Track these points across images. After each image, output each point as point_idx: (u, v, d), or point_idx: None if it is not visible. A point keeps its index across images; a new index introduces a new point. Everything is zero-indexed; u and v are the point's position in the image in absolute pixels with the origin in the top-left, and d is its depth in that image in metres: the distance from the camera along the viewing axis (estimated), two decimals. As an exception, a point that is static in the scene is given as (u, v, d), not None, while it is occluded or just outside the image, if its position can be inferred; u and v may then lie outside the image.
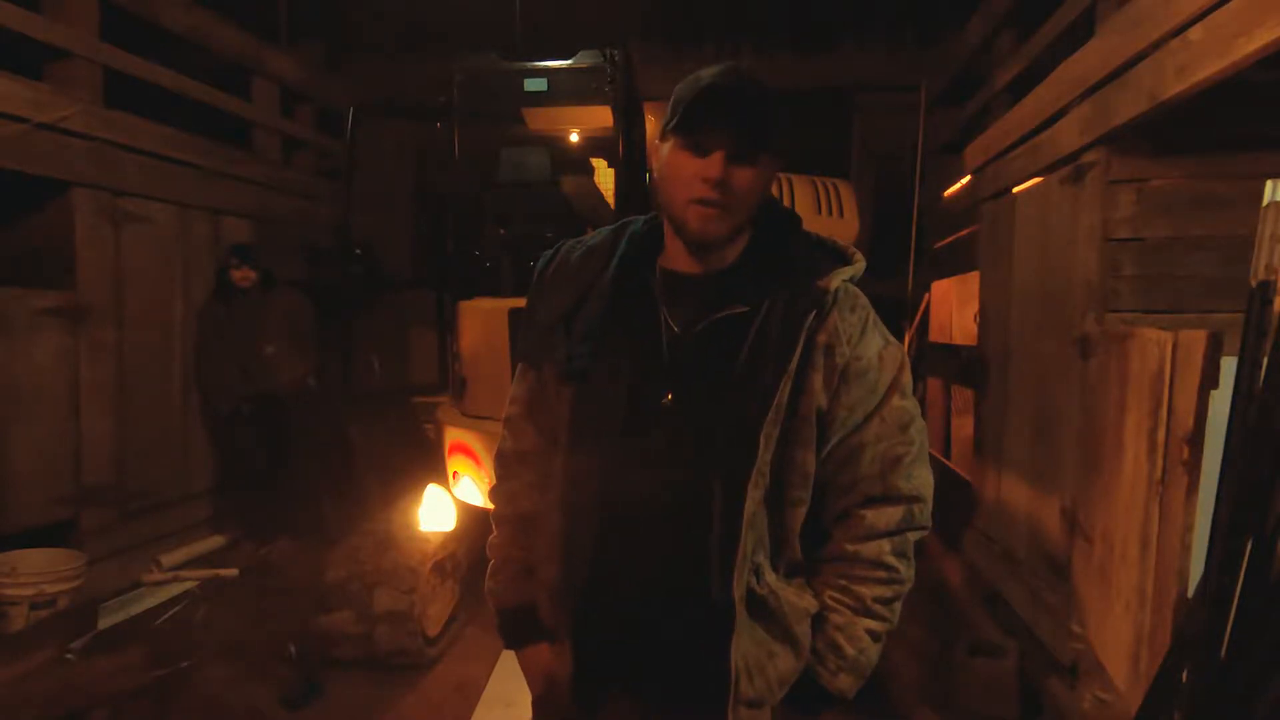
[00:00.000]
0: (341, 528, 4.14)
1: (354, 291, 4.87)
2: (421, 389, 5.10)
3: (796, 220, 1.29)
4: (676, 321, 1.22)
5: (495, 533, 1.42)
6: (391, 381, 5.72)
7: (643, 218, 1.33)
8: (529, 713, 1.40)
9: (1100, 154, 2.90)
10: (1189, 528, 2.29)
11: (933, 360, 5.57)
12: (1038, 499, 3.44)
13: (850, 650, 1.24)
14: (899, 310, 5.56)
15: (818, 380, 1.18)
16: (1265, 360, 1.85)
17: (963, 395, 5.04)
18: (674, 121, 1.16)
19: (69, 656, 3.03)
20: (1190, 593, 2.20)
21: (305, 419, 4.83)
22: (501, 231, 3.99)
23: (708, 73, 1.16)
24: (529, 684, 1.38)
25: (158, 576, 4.19)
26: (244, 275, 4.60)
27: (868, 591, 1.24)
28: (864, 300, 1.26)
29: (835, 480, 1.25)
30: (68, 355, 3.84)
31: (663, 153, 1.20)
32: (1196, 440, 2.26)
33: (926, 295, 5.66)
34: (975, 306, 4.46)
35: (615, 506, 1.20)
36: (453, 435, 3.68)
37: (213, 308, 4.66)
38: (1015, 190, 3.82)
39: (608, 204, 4.15)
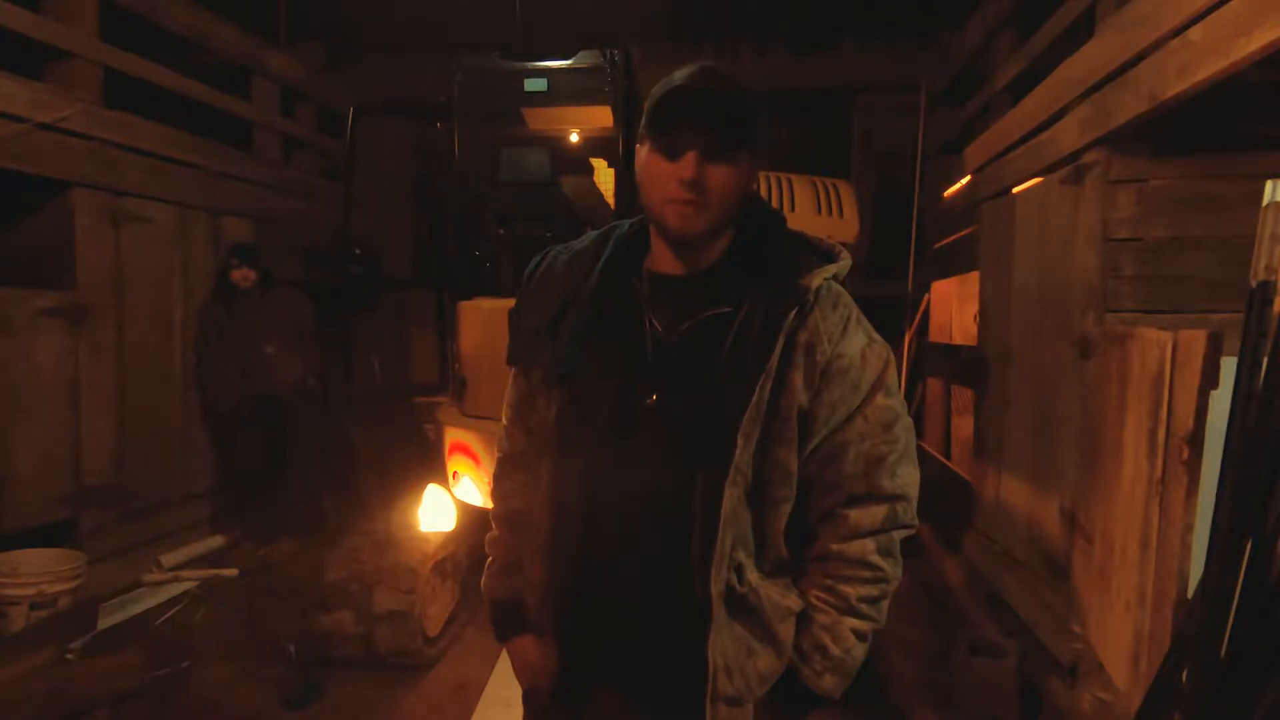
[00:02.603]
0: (341, 528, 4.15)
1: (354, 291, 4.87)
2: (421, 389, 5.10)
3: (780, 219, 1.29)
4: (661, 323, 1.23)
5: (493, 528, 1.45)
6: (391, 381, 5.72)
7: (629, 221, 1.34)
8: (522, 705, 1.41)
9: (1100, 154, 2.90)
10: (1189, 528, 2.29)
11: (933, 360, 5.57)
12: (1038, 499, 3.44)
13: (836, 650, 1.24)
14: (899, 310, 5.56)
15: (798, 379, 1.18)
16: (1265, 360, 1.85)
17: (963, 395, 5.04)
18: (646, 124, 1.17)
19: (69, 656, 3.03)
20: (1190, 593, 2.20)
21: (305, 419, 4.83)
22: (501, 231, 3.99)
23: (680, 73, 1.16)
24: (517, 677, 1.39)
25: (158, 576, 4.19)
26: (244, 275, 4.60)
27: (853, 591, 1.24)
28: (847, 298, 1.26)
29: (819, 479, 1.25)
30: (68, 355, 3.84)
31: (641, 156, 1.21)
32: (1196, 440, 2.26)
33: (926, 295, 5.66)
34: (975, 306, 4.46)
35: (599, 507, 1.21)
36: (453, 435, 3.68)
37: (213, 308, 4.66)
38: (1015, 190, 3.83)
39: (608, 204, 4.15)
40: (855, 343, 1.22)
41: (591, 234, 1.36)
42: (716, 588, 1.16)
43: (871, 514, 1.24)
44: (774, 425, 1.18)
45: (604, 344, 1.23)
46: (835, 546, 1.25)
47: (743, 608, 1.20)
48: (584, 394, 1.22)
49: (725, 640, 1.19)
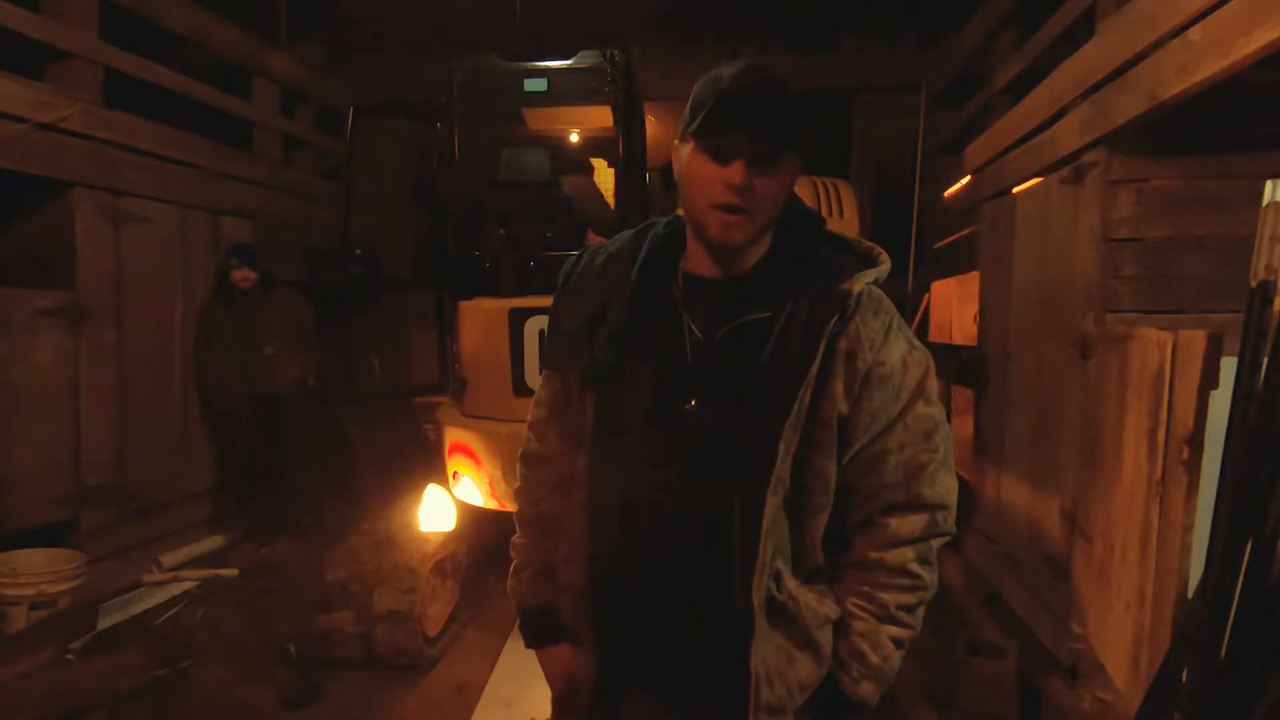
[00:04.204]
0: (341, 528, 4.15)
1: (354, 291, 4.86)
2: (421, 389, 5.09)
3: (819, 221, 1.27)
4: (699, 326, 1.21)
5: (518, 533, 1.43)
6: (391, 381, 5.71)
7: (664, 220, 1.32)
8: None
9: (1100, 154, 2.90)
10: (1189, 528, 2.28)
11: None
12: (1038, 499, 3.44)
13: (874, 657, 1.23)
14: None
15: (839, 386, 1.17)
16: (1265, 360, 1.85)
17: (963, 395, 5.04)
18: (694, 125, 1.14)
19: (69, 656, 3.03)
20: (1190, 593, 2.20)
21: (305, 419, 4.83)
22: (501, 231, 3.99)
23: (727, 73, 1.14)
24: (550, 684, 1.39)
25: (158, 576, 4.19)
26: (244, 275, 4.60)
27: (891, 599, 1.23)
28: (888, 304, 1.24)
29: (858, 487, 1.23)
30: (68, 355, 3.84)
31: (683, 156, 1.18)
32: (1196, 440, 2.26)
33: (926, 295, 5.65)
34: (975, 306, 4.46)
35: (636, 512, 1.19)
36: (453, 435, 3.68)
37: (213, 308, 4.66)
38: (1015, 190, 3.82)
39: (608, 204, 4.15)
40: (896, 350, 1.20)
41: (626, 233, 1.34)
42: (758, 597, 1.14)
43: (911, 523, 1.22)
44: (814, 433, 1.16)
45: (642, 347, 1.22)
46: (874, 555, 1.23)
47: (782, 616, 1.18)
48: (621, 397, 1.21)
49: (767, 649, 1.17)
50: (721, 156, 1.13)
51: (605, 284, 1.27)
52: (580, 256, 1.35)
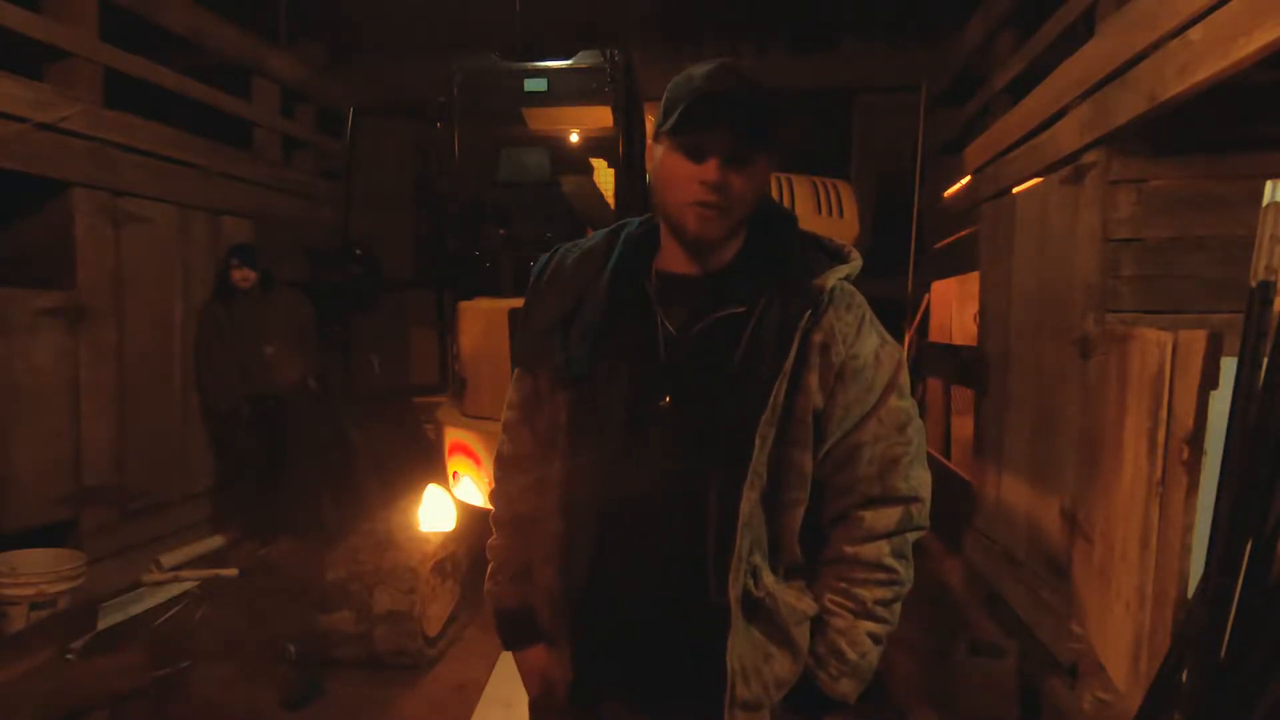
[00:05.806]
0: (341, 528, 4.15)
1: (354, 291, 4.87)
2: (421, 389, 5.10)
3: (792, 219, 1.29)
4: (673, 323, 1.22)
5: (495, 535, 1.43)
6: (391, 381, 5.72)
7: (638, 219, 1.33)
8: (528, 713, 1.40)
9: (1100, 154, 2.90)
10: (1189, 528, 2.28)
11: (933, 360, 5.57)
12: (1038, 499, 3.44)
13: (852, 655, 1.24)
14: (899, 310, 5.56)
15: (813, 380, 1.18)
16: (1265, 360, 1.85)
17: (963, 395, 5.04)
18: (669, 124, 1.15)
19: (69, 656, 3.03)
20: (1190, 593, 2.20)
21: (305, 419, 4.83)
22: (501, 231, 3.99)
23: (700, 72, 1.15)
24: (525, 686, 1.38)
25: (158, 576, 4.19)
26: (244, 276, 4.60)
27: (868, 594, 1.23)
28: (860, 299, 1.25)
29: (833, 481, 1.24)
30: (68, 355, 3.84)
31: (657, 154, 1.19)
32: (1196, 440, 2.26)
33: (926, 295, 5.66)
34: (975, 306, 4.46)
35: (613, 509, 1.19)
36: (453, 435, 3.68)
37: (213, 308, 4.66)
38: (1015, 190, 3.82)
39: (608, 204, 4.15)
40: (869, 344, 1.22)
41: (600, 232, 1.34)
42: (734, 592, 1.15)
43: (886, 516, 1.23)
44: (789, 427, 1.17)
45: (616, 344, 1.22)
46: (850, 549, 1.24)
47: (759, 611, 1.19)
48: (596, 395, 1.21)
49: (743, 645, 1.18)
50: (697, 154, 1.14)
51: (578, 282, 1.27)
52: (553, 254, 1.34)
